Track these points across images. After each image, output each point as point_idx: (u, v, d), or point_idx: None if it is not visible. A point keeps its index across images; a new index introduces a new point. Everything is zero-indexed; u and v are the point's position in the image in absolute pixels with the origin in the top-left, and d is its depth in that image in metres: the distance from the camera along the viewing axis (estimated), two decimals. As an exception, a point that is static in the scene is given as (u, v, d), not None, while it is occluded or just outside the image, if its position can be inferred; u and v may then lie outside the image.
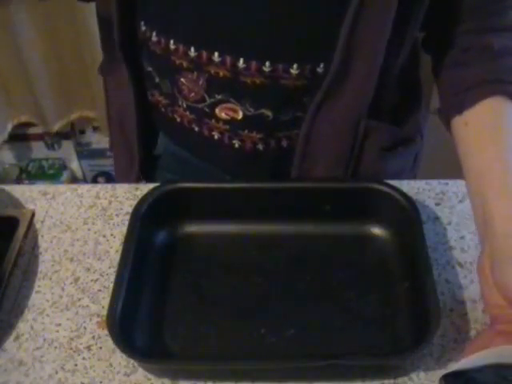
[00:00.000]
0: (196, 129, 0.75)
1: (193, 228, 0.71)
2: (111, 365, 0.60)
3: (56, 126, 1.71)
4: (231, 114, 0.71)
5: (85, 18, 1.43)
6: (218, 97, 0.70)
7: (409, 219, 0.65)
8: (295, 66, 0.66)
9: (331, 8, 0.63)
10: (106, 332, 0.61)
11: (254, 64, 0.66)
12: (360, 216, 0.70)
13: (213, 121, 0.73)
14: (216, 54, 0.67)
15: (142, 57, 0.76)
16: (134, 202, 0.68)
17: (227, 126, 0.72)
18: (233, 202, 0.70)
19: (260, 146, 0.73)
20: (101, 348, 0.61)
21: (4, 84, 1.60)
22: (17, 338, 0.63)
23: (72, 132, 1.80)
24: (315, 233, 0.70)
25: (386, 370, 0.58)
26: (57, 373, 0.60)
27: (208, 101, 0.71)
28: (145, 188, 0.75)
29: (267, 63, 0.66)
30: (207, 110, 0.72)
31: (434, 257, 0.67)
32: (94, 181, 1.89)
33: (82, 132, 1.81)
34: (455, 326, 0.62)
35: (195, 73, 0.69)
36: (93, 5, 0.80)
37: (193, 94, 0.71)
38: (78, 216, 0.74)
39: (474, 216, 0.62)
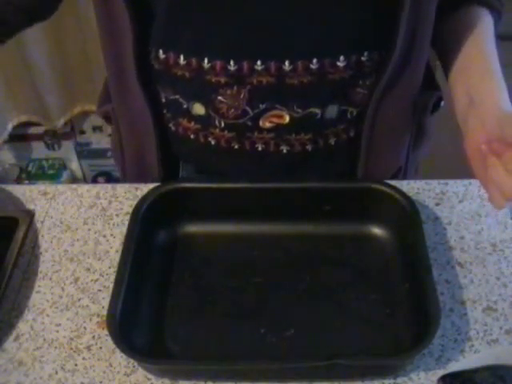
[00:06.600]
0: (236, 146, 0.72)
1: (193, 228, 0.71)
2: (111, 365, 0.60)
3: (59, 123, 1.71)
4: (276, 120, 0.69)
5: (88, 14, 1.43)
6: (262, 106, 0.68)
7: (409, 219, 0.65)
8: (341, 58, 0.65)
9: None
10: (105, 332, 0.61)
11: (300, 64, 0.65)
12: (360, 216, 0.70)
13: (255, 133, 0.71)
14: (259, 62, 0.65)
15: (160, 87, 0.73)
16: (134, 202, 0.68)
17: (272, 134, 0.71)
18: (233, 202, 0.70)
19: (309, 147, 0.72)
20: (101, 348, 0.61)
21: (7, 80, 1.59)
22: (17, 337, 0.63)
23: (72, 132, 1.80)
24: (315, 233, 0.70)
25: (385, 370, 0.58)
26: (57, 373, 0.60)
27: (251, 113, 0.69)
28: (145, 188, 0.75)
29: (314, 60, 0.65)
30: (249, 123, 0.70)
31: (434, 257, 0.67)
32: (94, 181, 1.89)
33: (82, 132, 1.81)
34: (455, 325, 0.62)
35: (235, 87, 0.67)
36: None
37: (232, 111, 0.69)
38: (77, 216, 0.74)
39: (455, 105, 0.67)
